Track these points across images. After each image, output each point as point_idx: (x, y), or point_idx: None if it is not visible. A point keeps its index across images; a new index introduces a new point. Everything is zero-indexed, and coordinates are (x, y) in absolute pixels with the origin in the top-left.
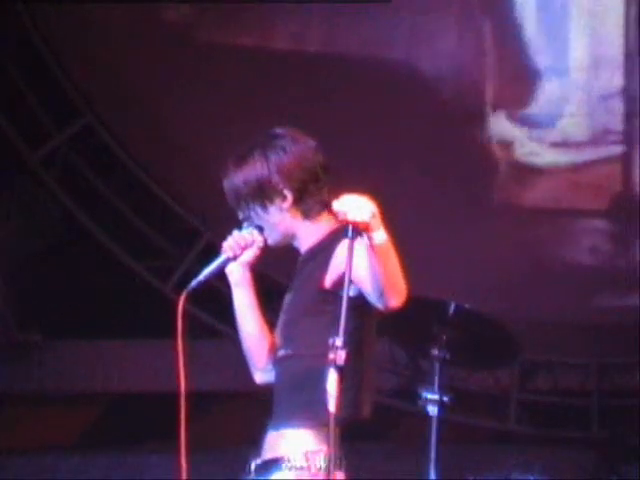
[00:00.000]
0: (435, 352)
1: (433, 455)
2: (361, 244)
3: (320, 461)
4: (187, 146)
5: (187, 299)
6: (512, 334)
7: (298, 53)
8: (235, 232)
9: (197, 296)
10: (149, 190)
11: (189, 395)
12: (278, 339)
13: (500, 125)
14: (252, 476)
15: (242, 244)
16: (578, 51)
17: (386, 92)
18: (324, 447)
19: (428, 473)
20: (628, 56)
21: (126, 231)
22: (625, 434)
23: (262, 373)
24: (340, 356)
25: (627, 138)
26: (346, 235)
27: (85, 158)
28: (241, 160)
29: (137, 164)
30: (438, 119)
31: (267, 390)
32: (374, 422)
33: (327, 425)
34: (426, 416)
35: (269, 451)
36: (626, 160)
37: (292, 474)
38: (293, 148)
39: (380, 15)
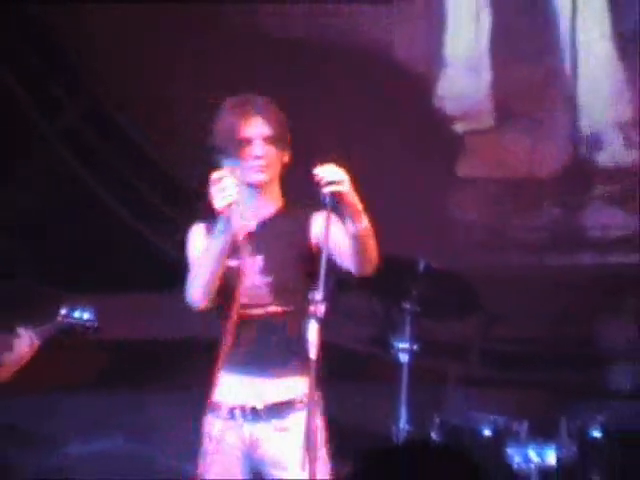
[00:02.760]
0: (407, 306)
1: (404, 397)
2: (338, 222)
3: (320, 402)
4: (188, 129)
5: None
6: (475, 289)
7: (284, 38)
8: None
9: None
10: (157, 166)
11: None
12: (252, 293)
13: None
14: (253, 419)
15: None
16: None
17: (367, 73)
18: (319, 391)
19: (400, 412)
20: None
21: (131, 197)
22: (573, 377)
23: (208, 303)
24: (320, 309)
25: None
26: (324, 202)
27: (98, 134)
28: (271, 104)
29: (150, 145)
30: (413, 97)
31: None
32: (352, 367)
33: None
34: (398, 362)
35: (257, 394)
36: (575, 137)
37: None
38: None
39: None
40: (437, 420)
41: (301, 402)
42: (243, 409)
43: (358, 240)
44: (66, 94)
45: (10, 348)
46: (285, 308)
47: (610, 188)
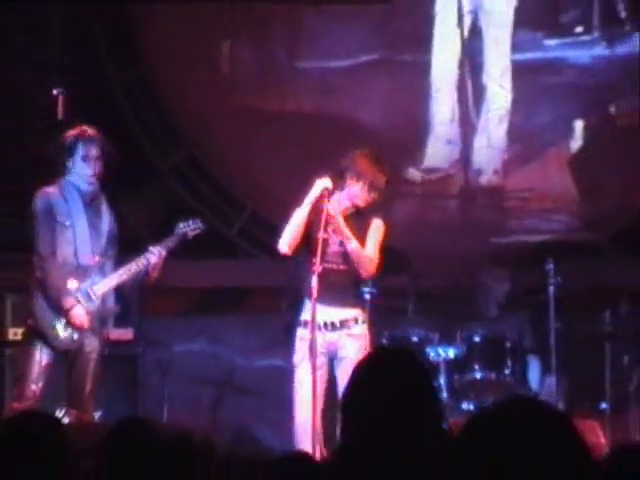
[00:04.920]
0: None
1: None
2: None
3: (367, 320)
4: (245, 162)
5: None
6: (408, 257)
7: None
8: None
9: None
10: (222, 185)
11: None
12: (330, 255)
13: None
14: (332, 329)
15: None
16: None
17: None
18: (366, 315)
19: None
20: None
21: (210, 206)
22: (465, 307)
23: (288, 250)
24: (319, 268)
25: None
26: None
27: (193, 171)
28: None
29: (220, 174)
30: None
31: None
32: None
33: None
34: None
35: (334, 316)
36: (466, 170)
37: (364, 326)
38: None
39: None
40: (386, 333)
41: (358, 319)
42: (325, 323)
43: (350, 253)
44: (170, 142)
45: (147, 261)
46: (348, 267)
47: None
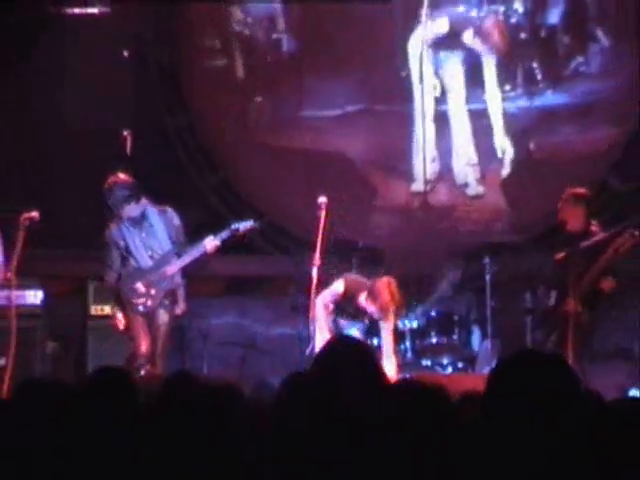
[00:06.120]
0: (355, 260)
1: None
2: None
3: None
4: (263, 184)
5: None
6: (384, 254)
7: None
8: None
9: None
10: (246, 200)
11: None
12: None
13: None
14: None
15: None
16: None
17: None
18: None
19: None
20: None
21: (237, 215)
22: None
23: None
24: (318, 262)
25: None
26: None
27: (224, 191)
28: None
29: (245, 192)
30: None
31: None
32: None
33: None
34: None
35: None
36: (425, 190)
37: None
38: None
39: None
40: None
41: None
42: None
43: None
44: (209, 169)
45: (204, 249)
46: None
47: (441, 211)
